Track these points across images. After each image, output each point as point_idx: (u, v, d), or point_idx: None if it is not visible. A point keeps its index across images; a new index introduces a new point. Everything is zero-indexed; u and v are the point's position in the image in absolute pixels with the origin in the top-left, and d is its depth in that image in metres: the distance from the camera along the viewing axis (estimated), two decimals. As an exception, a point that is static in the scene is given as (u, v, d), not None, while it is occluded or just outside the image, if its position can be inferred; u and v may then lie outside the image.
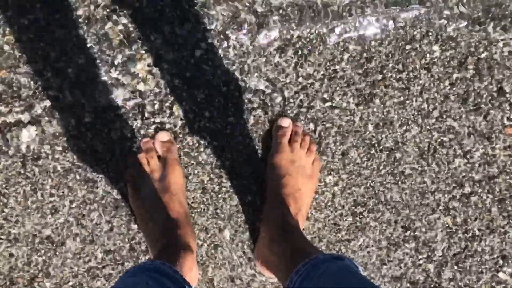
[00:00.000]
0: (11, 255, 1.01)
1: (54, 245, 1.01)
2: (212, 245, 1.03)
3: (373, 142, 1.03)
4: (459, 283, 1.06)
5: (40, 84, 1.00)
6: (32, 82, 1.00)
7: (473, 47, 0.96)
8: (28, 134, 1.00)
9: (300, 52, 1.00)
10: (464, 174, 1.05)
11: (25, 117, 1.00)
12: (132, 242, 1.02)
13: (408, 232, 1.05)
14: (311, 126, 1.03)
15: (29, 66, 1.00)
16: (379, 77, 0.97)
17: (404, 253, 1.05)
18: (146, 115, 1.02)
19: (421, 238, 1.05)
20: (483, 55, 0.98)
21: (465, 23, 0.96)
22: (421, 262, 1.06)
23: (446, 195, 1.05)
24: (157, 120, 1.02)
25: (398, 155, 1.03)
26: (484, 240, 1.06)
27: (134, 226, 1.02)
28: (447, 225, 1.06)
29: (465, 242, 1.06)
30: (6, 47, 1.00)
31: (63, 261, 1.01)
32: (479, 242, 1.06)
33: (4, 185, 1.00)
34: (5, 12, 1.00)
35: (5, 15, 1.00)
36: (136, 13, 1.01)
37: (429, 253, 1.06)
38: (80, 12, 1.00)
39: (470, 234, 1.06)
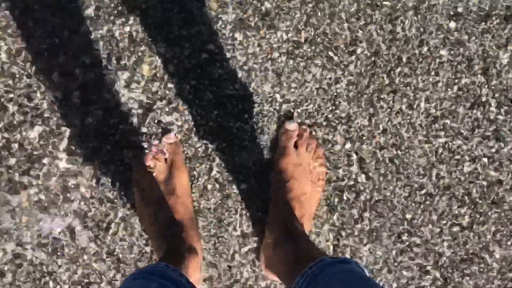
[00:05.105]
0: (16, 256, 1.01)
1: (60, 246, 1.01)
2: (218, 248, 1.03)
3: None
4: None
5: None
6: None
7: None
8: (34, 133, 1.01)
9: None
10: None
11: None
12: (137, 244, 1.02)
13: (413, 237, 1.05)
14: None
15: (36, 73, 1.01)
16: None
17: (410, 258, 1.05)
18: (152, 116, 1.02)
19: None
20: None
21: None
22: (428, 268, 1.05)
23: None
24: (164, 121, 1.02)
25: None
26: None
27: (140, 228, 1.02)
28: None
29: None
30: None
31: (68, 262, 1.01)
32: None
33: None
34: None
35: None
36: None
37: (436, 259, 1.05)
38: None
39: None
